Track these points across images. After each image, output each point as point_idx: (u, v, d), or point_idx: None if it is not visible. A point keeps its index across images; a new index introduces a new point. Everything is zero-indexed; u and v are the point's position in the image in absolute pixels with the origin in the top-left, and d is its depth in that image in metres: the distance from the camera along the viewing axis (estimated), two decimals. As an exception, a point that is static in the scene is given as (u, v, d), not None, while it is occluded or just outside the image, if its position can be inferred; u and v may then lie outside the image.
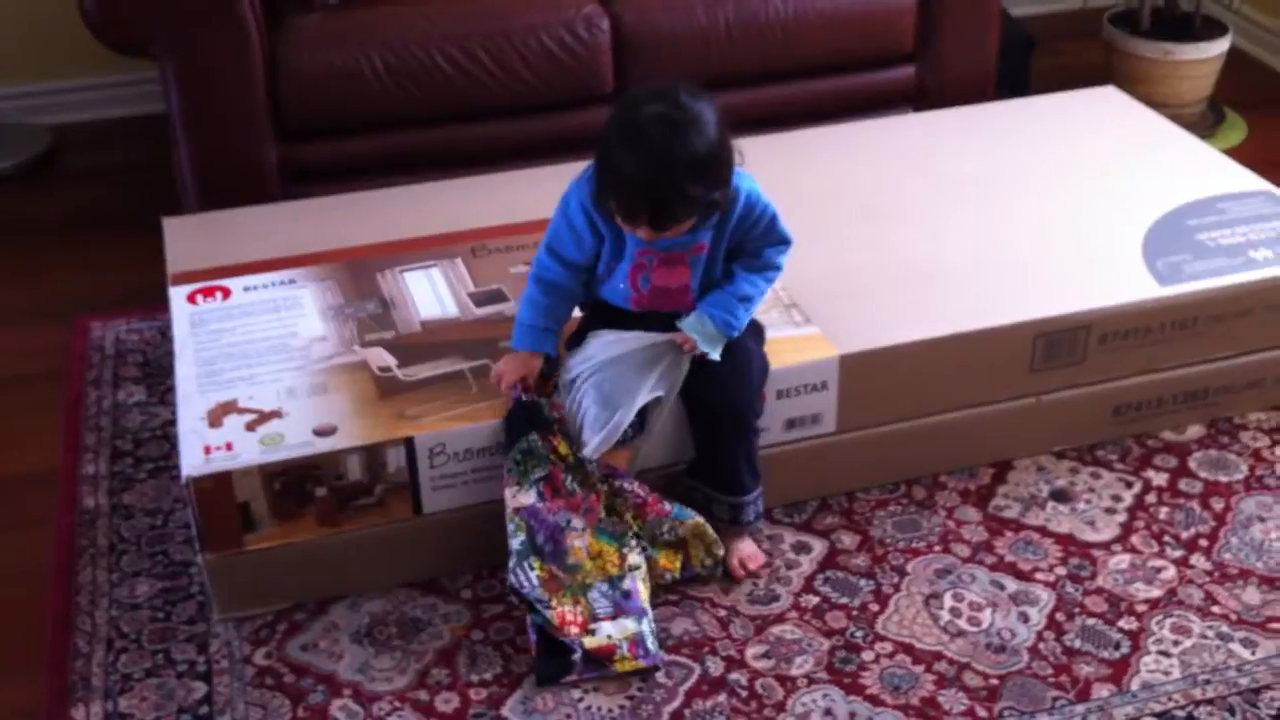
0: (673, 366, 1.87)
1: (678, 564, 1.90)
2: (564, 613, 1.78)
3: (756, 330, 1.94)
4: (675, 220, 1.73)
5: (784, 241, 1.89)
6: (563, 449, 1.83)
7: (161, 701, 1.76)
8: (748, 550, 1.94)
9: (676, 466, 1.96)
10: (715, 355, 1.85)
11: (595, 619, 1.79)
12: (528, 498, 1.82)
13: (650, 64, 2.67)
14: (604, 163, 1.74)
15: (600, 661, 1.77)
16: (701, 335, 1.85)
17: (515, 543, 1.81)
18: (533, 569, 1.80)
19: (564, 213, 1.84)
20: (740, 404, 1.89)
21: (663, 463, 1.95)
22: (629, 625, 1.79)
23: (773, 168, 2.46)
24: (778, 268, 1.90)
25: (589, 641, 1.77)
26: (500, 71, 2.59)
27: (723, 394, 1.87)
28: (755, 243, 1.86)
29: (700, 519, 1.89)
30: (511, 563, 1.80)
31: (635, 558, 1.84)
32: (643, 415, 1.87)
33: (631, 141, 1.69)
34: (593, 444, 1.83)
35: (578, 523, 1.83)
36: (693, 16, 2.67)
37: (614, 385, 1.85)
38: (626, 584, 1.82)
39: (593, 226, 1.82)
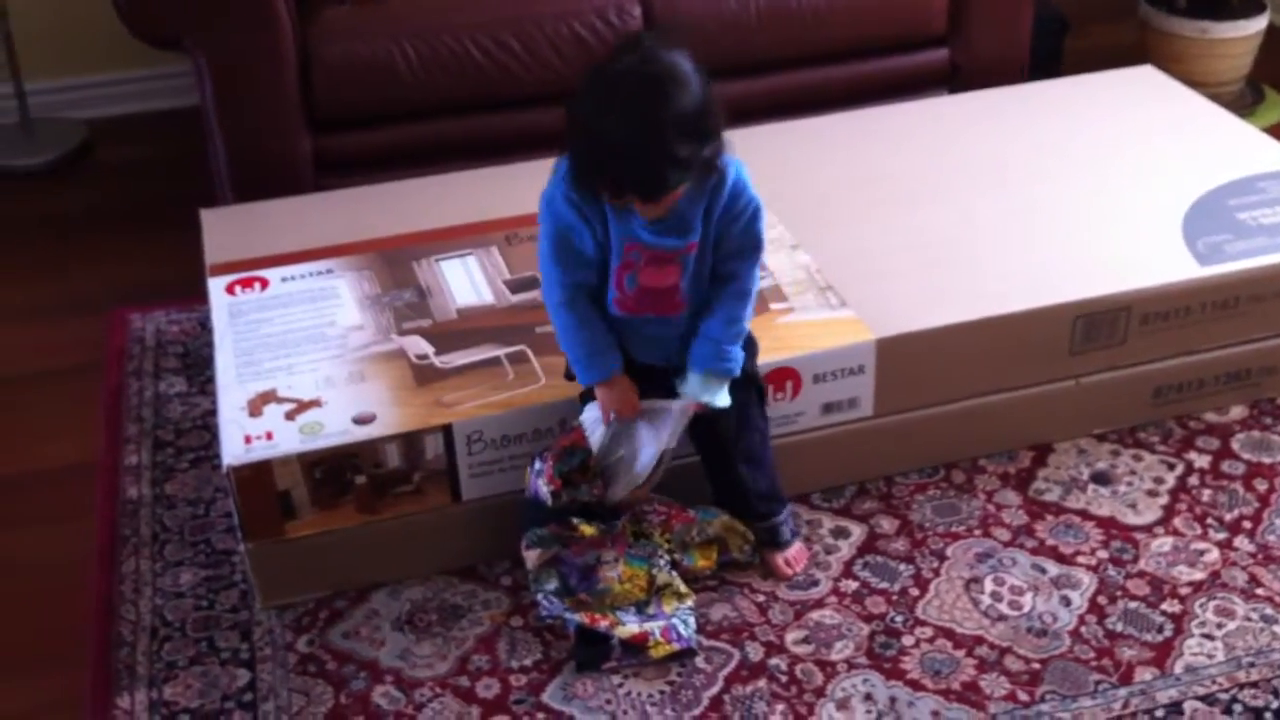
0: (680, 426, 1.83)
1: (714, 557, 1.90)
2: (594, 615, 1.79)
3: None
4: (667, 187, 1.59)
5: (757, 247, 1.74)
6: (586, 531, 1.81)
7: (205, 689, 1.77)
8: (791, 550, 1.92)
9: (692, 457, 1.93)
10: (726, 401, 1.78)
11: (622, 623, 1.79)
12: (551, 550, 1.82)
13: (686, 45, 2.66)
14: (581, 137, 1.60)
15: (637, 649, 1.77)
16: (705, 392, 1.77)
17: (549, 586, 1.81)
18: (563, 602, 1.81)
19: (551, 220, 1.71)
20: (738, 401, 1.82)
21: (679, 453, 1.90)
22: (658, 620, 1.80)
23: (806, 153, 2.47)
24: (751, 291, 1.76)
25: (621, 632, 1.77)
26: (531, 59, 2.58)
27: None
28: (732, 243, 1.72)
29: (727, 515, 1.89)
30: (540, 597, 1.81)
31: (664, 576, 1.84)
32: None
33: (607, 105, 1.56)
34: (617, 492, 1.83)
35: (608, 555, 1.83)
36: (723, 2, 2.65)
37: (640, 440, 1.81)
38: (651, 608, 1.82)
39: (584, 218, 1.69)
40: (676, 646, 1.77)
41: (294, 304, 2.09)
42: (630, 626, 1.78)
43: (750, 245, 1.74)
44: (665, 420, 1.82)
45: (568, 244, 1.71)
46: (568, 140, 1.64)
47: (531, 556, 1.82)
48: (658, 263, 1.71)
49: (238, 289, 2.13)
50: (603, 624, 1.78)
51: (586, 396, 1.83)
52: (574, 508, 1.82)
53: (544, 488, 1.80)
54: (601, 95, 1.59)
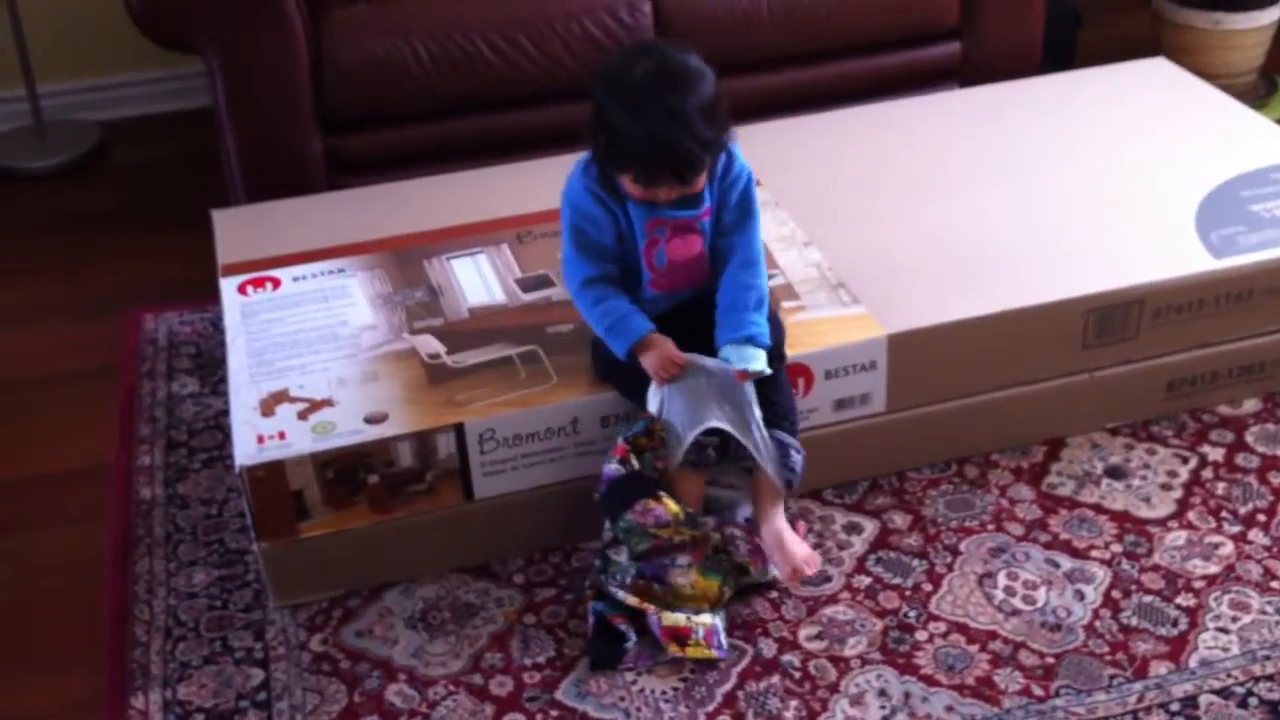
0: (741, 401, 1.81)
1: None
2: (645, 603, 1.76)
3: None
4: (698, 169, 1.75)
5: (750, 213, 1.87)
6: (672, 508, 1.77)
7: (220, 688, 1.77)
8: (801, 554, 1.80)
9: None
10: (764, 367, 1.81)
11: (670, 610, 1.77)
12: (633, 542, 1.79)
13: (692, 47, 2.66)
14: (611, 137, 1.75)
15: (663, 646, 1.75)
16: (741, 360, 1.80)
17: (619, 558, 1.78)
18: (627, 582, 1.77)
19: (572, 213, 1.85)
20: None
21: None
22: (705, 618, 1.78)
23: (818, 148, 2.47)
24: (756, 260, 1.86)
25: (666, 618, 1.75)
26: (542, 57, 2.58)
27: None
28: (730, 213, 1.86)
29: None
30: (602, 567, 1.80)
31: (731, 592, 1.83)
32: (726, 444, 1.81)
33: (637, 105, 1.72)
34: (676, 455, 1.79)
35: (683, 560, 1.79)
36: (734, -3, 2.65)
37: (694, 399, 1.80)
38: (705, 618, 1.79)
39: (607, 208, 1.83)
40: (714, 653, 1.75)
41: (306, 303, 2.10)
42: (677, 616, 1.76)
43: (745, 213, 1.88)
44: (719, 382, 1.80)
45: (587, 238, 1.84)
46: (594, 145, 1.79)
47: (608, 534, 1.79)
48: (682, 233, 1.85)
49: (250, 289, 2.14)
50: (650, 607, 1.75)
51: (629, 388, 1.85)
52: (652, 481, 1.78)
53: (612, 464, 1.78)
54: (628, 98, 1.74)
